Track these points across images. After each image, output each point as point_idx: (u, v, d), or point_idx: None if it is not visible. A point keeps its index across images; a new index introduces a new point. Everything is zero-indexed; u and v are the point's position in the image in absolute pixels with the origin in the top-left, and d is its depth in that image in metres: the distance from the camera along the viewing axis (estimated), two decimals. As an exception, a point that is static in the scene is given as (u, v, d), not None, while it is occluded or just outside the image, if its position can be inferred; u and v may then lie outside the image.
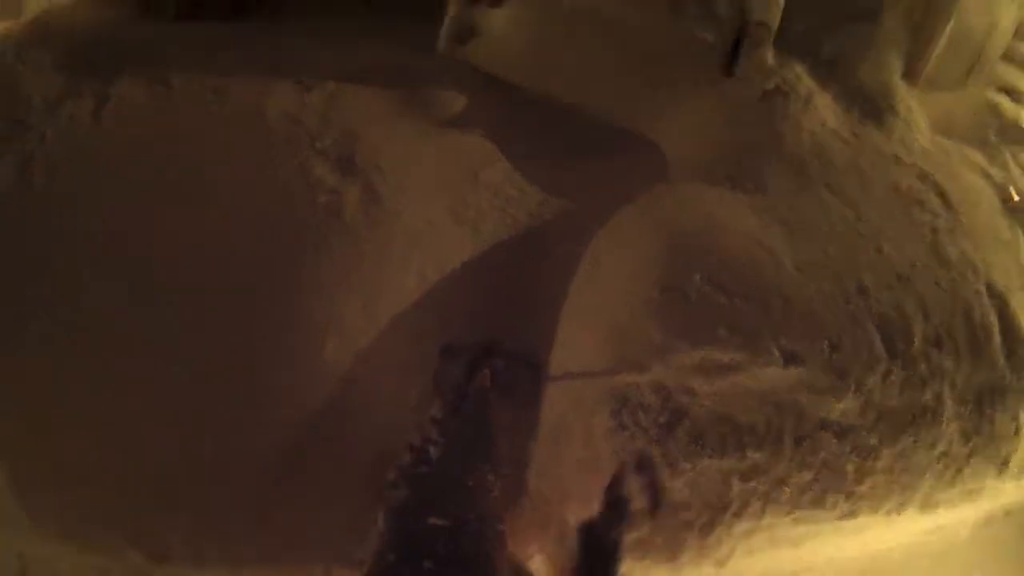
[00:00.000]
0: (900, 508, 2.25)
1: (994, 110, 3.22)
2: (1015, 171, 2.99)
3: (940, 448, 2.24)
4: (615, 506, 1.79)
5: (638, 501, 1.92)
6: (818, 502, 2.15)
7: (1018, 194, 2.80)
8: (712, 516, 2.09)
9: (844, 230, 2.44)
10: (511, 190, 2.62)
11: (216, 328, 2.06)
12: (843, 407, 2.14)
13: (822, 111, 2.79)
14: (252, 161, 2.26)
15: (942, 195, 2.75)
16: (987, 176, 2.92)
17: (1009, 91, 3.33)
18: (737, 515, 2.11)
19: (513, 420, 2.09)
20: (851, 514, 2.19)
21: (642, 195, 2.58)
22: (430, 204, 2.39)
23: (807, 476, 2.12)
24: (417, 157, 2.50)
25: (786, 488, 2.11)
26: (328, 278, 2.13)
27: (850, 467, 2.14)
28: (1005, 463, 2.30)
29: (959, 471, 2.27)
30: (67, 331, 2.08)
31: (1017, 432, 2.32)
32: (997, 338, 2.40)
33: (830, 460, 2.12)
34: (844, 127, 2.86)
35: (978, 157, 3.00)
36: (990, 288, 2.47)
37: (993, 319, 2.41)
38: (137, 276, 2.10)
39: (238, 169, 2.26)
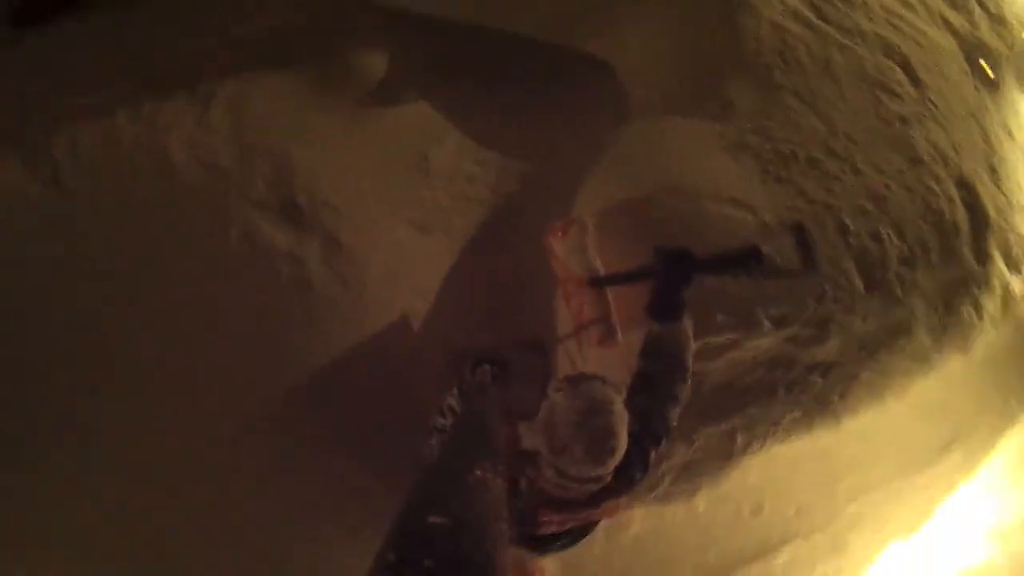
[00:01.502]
0: (877, 406, 2.50)
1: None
2: (978, 14, 2.82)
3: (912, 350, 2.43)
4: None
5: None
6: (808, 428, 2.37)
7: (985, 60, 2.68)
8: (721, 464, 2.31)
9: (818, 154, 2.35)
10: (467, 166, 2.40)
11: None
12: (827, 348, 2.26)
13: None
14: (189, 252, 2.00)
15: (908, 70, 2.63)
16: (952, 30, 2.75)
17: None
18: (740, 456, 2.33)
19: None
20: (836, 426, 2.44)
21: (610, 146, 2.39)
22: (391, 224, 2.20)
23: (798, 413, 2.31)
24: (359, 166, 2.24)
25: (780, 426, 2.32)
26: (321, 352, 2.03)
27: (835, 396, 2.33)
28: (969, 348, 2.52)
29: (929, 364, 2.49)
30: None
31: (980, 318, 2.51)
32: (966, 231, 2.48)
33: (818, 395, 2.31)
34: (804, 4, 2.61)
35: (941, 5, 2.80)
36: (960, 181, 2.49)
37: (962, 214, 2.47)
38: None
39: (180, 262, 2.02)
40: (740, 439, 2.28)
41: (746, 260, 1.85)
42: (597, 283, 2.01)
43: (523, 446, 1.61)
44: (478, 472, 1.57)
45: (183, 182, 2.11)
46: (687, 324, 1.74)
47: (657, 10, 2.56)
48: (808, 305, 2.19)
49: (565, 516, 1.57)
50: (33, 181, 2.12)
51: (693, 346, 1.75)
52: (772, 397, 2.26)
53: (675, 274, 1.77)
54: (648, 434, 1.58)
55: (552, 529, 1.59)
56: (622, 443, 1.43)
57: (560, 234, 2.10)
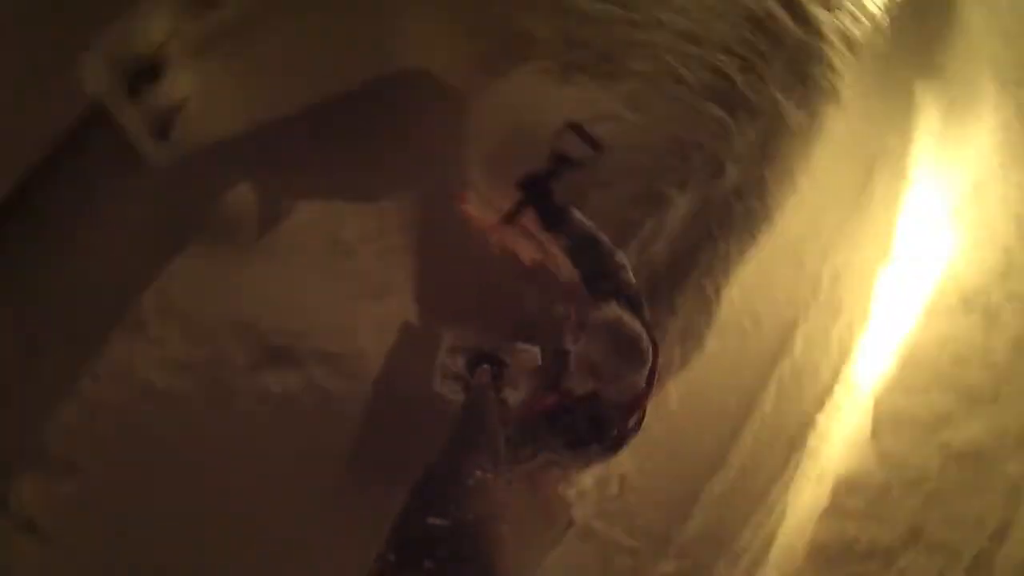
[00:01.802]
0: (791, 188, 2.83)
1: None
2: None
3: (792, 133, 2.73)
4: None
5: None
6: (753, 238, 2.75)
7: None
8: (706, 312, 2.68)
9: (629, 33, 2.57)
10: (371, 222, 2.61)
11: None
12: (728, 176, 2.57)
13: None
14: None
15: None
16: None
17: None
18: (716, 295, 2.69)
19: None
20: (772, 222, 2.77)
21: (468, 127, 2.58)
22: (353, 309, 2.46)
23: (738, 236, 2.69)
24: (295, 283, 2.47)
25: (731, 254, 2.68)
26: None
27: (756, 204, 2.70)
28: (840, 99, 2.82)
29: (809, 134, 2.80)
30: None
31: (834, 70, 2.80)
32: (784, 17, 2.73)
33: (744, 213, 2.68)
34: None
35: None
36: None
37: (772, 3, 2.71)
38: None
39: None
40: (708, 285, 2.62)
41: (563, 162, 2.05)
42: (507, 221, 2.20)
43: (579, 393, 1.82)
44: (478, 473, 1.61)
45: (178, 398, 2.34)
46: (576, 214, 1.97)
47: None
48: (694, 157, 2.48)
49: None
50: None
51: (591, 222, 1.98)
52: (711, 239, 2.59)
53: (537, 193, 2.00)
54: (631, 307, 1.81)
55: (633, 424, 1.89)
56: (645, 335, 1.71)
57: (466, 202, 2.43)
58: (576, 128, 2.09)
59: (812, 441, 3.09)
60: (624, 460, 2.68)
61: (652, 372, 1.80)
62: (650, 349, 1.73)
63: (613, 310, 1.73)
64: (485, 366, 1.99)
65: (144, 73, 2.51)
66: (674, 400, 2.76)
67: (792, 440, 3.08)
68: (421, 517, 1.40)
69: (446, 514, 1.40)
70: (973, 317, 3.12)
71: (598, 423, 1.84)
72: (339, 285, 2.49)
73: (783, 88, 2.69)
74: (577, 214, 1.97)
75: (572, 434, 1.86)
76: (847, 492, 2.83)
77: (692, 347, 2.65)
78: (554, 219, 1.97)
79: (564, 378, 1.87)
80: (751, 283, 2.89)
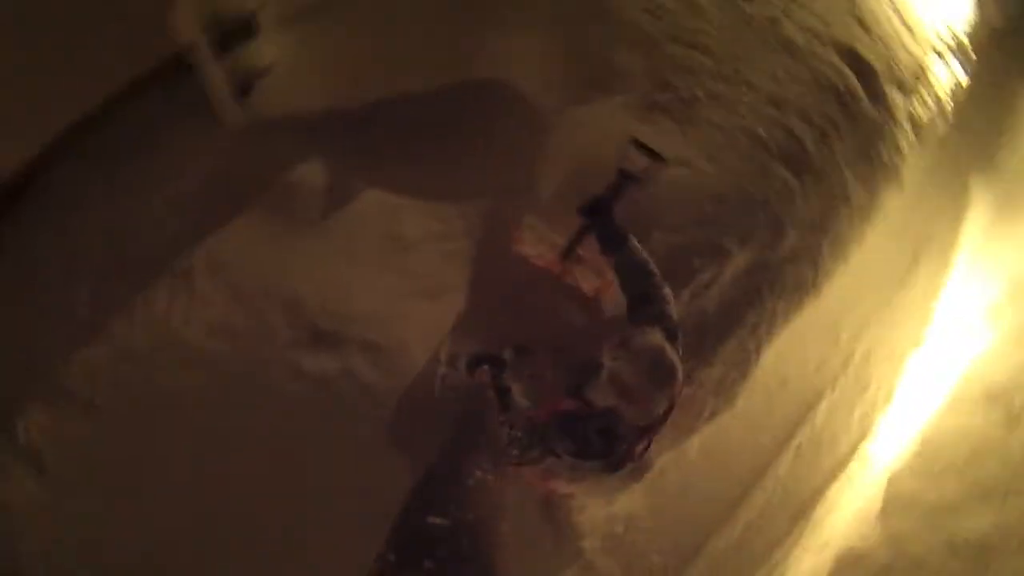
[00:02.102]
0: (842, 264, 2.87)
1: None
2: None
3: (851, 209, 2.78)
4: None
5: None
6: (799, 306, 2.77)
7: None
8: (743, 369, 2.69)
9: (714, 86, 2.63)
10: (433, 225, 2.63)
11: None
12: (787, 240, 2.60)
13: None
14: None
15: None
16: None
17: None
18: (755, 355, 2.72)
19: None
20: (818, 294, 2.81)
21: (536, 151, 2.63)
22: (405, 304, 2.48)
23: (785, 301, 2.69)
24: (348, 269, 2.49)
25: (776, 317, 2.69)
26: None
27: (809, 274, 2.71)
28: (901, 183, 2.87)
29: (869, 214, 2.84)
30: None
31: (899, 152, 2.86)
32: (857, 88, 2.79)
33: (796, 280, 2.68)
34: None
35: None
36: (839, 48, 2.78)
37: (850, 76, 2.77)
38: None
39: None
40: (751, 343, 2.64)
41: (626, 179, 2.09)
42: (566, 255, 2.29)
43: (598, 406, 1.84)
44: (478, 473, 1.69)
45: (212, 359, 2.34)
46: (633, 240, 2.00)
47: (523, 16, 2.77)
48: (758, 215, 2.52)
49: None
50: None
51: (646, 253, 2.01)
52: (760, 299, 2.61)
53: (599, 216, 2.04)
54: (668, 337, 1.83)
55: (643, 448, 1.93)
56: (680, 369, 1.74)
57: (521, 240, 2.46)
58: (637, 142, 2.11)
59: (820, 511, 3.10)
60: (636, 499, 2.69)
61: (670, 407, 1.83)
62: (679, 385, 1.76)
63: (658, 337, 1.76)
64: (485, 366, 1.99)
65: (235, 32, 2.55)
66: (695, 449, 2.77)
67: (802, 507, 3.09)
68: (421, 517, 1.48)
69: (446, 514, 1.48)
70: (995, 415, 3.13)
71: (609, 438, 1.85)
72: (394, 279, 2.51)
73: (850, 162, 2.75)
74: (634, 240, 2.00)
75: (582, 443, 1.86)
76: (850, 568, 2.82)
77: (724, 401, 2.66)
78: (614, 242, 2.01)
79: (589, 389, 1.89)
80: (786, 347, 2.90)
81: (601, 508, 2.62)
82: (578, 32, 2.74)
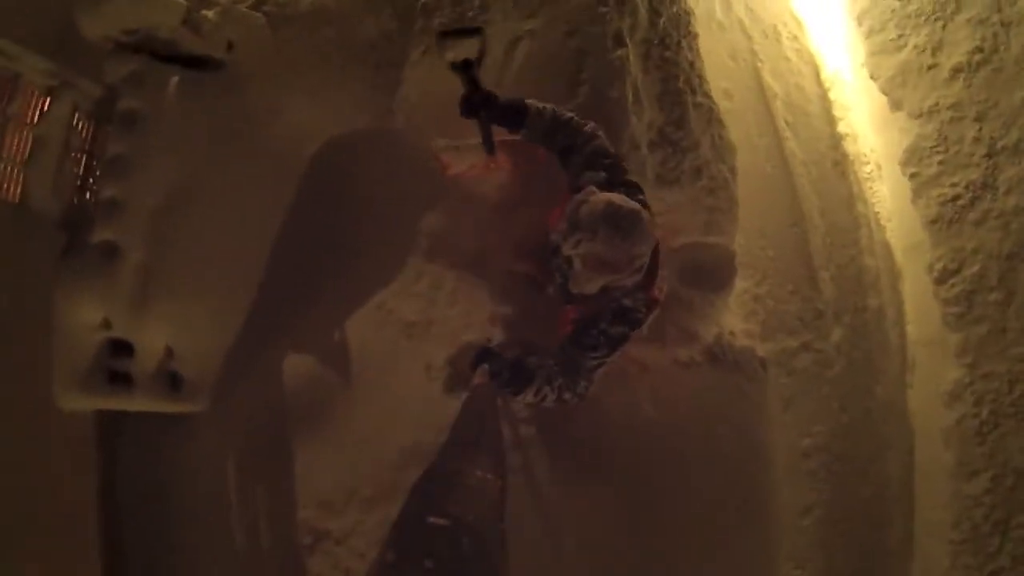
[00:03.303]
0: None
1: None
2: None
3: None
4: None
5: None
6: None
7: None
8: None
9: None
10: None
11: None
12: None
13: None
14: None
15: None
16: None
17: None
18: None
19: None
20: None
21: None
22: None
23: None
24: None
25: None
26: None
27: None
28: None
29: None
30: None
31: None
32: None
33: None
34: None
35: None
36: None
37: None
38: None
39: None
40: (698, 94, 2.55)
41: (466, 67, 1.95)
42: (491, 151, 2.18)
43: (593, 295, 1.77)
44: (478, 473, 1.63)
45: None
46: (532, 103, 1.90)
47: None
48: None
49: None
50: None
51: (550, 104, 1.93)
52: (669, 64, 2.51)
53: (480, 107, 1.92)
54: (612, 178, 1.81)
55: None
56: (639, 207, 1.66)
57: (448, 163, 2.39)
58: (446, 33, 1.99)
59: (849, 148, 3.15)
60: (747, 284, 2.79)
61: (656, 246, 1.77)
62: (648, 218, 1.68)
63: (599, 197, 1.67)
64: (485, 366, 1.94)
65: (119, 354, 2.42)
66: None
67: (836, 160, 3.13)
68: (421, 517, 1.43)
69: (446, 514, 1.42)
70: None
71: (626, 317, 1.81)
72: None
73: None
74: (533, 102, 1.91)
75: (608, 339, 1.82)
76: (917, 164, 2.87)
77: (730, 155, 2.58)
78: (512, 119, 1.91)
79: (572, 286, 1.80)
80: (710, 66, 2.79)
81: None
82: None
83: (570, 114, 1.91)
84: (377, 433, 2.33)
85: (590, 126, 1.89)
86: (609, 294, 1.76)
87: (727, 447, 2.40)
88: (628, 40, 2.39)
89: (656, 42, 2.48)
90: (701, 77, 2.57)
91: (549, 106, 1.91)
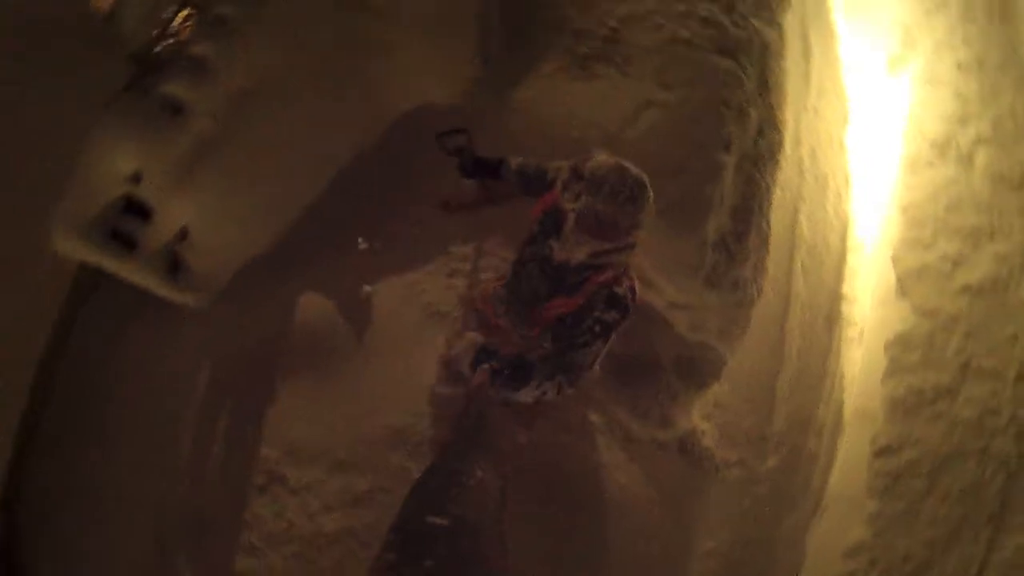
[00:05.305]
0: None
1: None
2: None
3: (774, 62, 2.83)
4: None
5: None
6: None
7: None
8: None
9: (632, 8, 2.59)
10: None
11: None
12: (753, 123, 2.59)
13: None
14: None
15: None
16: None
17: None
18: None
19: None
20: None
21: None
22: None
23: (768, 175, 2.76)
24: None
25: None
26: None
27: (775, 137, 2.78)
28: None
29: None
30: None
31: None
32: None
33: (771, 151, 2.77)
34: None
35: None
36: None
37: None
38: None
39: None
40: (764, 223, 2.75)
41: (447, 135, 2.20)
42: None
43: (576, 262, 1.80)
44: (478, 473, 1.63)
45: None
46: (510, 158, 2.10)
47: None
48: (725, 114, 2.54)
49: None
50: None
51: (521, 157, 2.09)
52: (755, 182, 2.69)
53: (468, 171, 2.18)
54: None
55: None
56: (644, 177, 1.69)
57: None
58: (441, 133, 2.21)
59: (844, 308, 3.44)
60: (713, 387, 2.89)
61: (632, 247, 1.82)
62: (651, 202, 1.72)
63: (609, 157, 1.72)
64: (485, 366, 1.92)
65: (133, 215, 2.32)
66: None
67: (828, 314, 3.38)
68: (421, 517, 1.45)
69: (446, 514, 1.44)
70: (949, 165, 3.45)
71: (618, 303, 1.81)
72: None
73: (755, 13, 2.73)
74: (511, 157, 2.10)
75: (604, 324, 1.81)
76: (901, 350, 3.20)
77: (763, 280, 2.78)
78: (494, 172, 2.13)
79: (560, 251, 1.82)
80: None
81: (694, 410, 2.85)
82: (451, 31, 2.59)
83: (533, 161, 2.05)
84: (370, 403, 2.35)
85: (554, 163, 1.98)
86: (588, 280, 1.78)
87: (661, 526, 2.64)
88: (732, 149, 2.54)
89: (750, 159, 2.64)
90: (770, 204, 2.75)
91: (520, 158, 2.08)
